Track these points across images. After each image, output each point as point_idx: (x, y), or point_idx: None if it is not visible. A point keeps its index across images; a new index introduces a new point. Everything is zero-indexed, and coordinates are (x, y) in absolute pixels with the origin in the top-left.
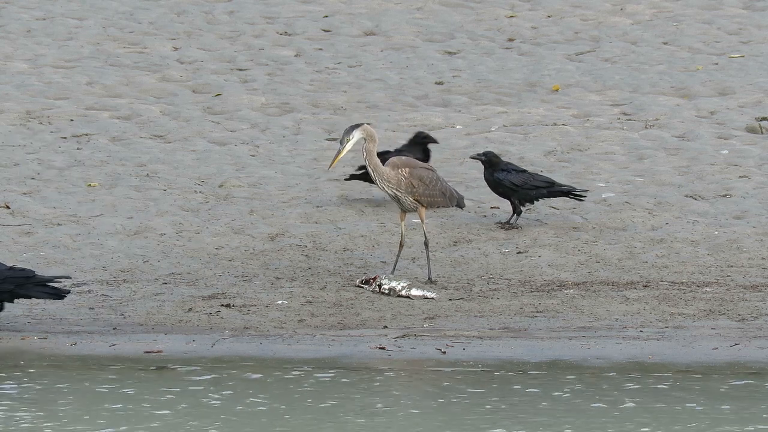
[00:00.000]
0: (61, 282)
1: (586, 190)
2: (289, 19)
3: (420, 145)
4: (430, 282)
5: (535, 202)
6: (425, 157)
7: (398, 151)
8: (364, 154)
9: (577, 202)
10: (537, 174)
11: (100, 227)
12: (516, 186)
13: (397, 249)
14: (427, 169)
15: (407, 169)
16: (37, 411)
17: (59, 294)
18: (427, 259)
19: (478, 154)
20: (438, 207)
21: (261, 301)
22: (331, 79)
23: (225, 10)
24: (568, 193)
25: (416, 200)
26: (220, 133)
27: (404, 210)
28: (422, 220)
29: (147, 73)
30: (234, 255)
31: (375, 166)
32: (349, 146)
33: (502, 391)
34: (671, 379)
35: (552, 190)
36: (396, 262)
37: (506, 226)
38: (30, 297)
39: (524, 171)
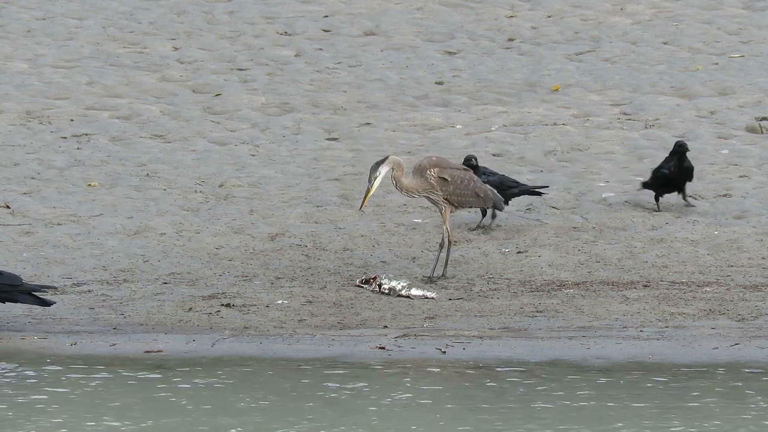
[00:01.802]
0: (46, 292)
1: (546, 186)
2: (289, 19)
3: (676, 154)
4: (430, 280)
5: (509, 203)
6: (679, 164)
7: (659, 168)
8: (393, 182)
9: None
10: (506, 176)
11: (100, 227)
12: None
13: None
14: (460, 169)
15: (436, 169)
16: (36, 411)
17: (45, 303)
18: (436, 259)
19: (472, 159)
20: (471, 207)
21: (261, 301)
22: (331, 79)
23: (225, 10)
24: (530, 191)
25: (446, 199)
26: (220, 133)
27: (439, 209)
28: (444, 221)
29: (147, 73)
30: (234, 255)
31: (405, 188)
32: (377, 183)
33: (501, 391)
34: (671, 379)
35: (522, 189)
36: (447, 262)
37: (482, 228)
38: (15, 302)
39: (496, 174)
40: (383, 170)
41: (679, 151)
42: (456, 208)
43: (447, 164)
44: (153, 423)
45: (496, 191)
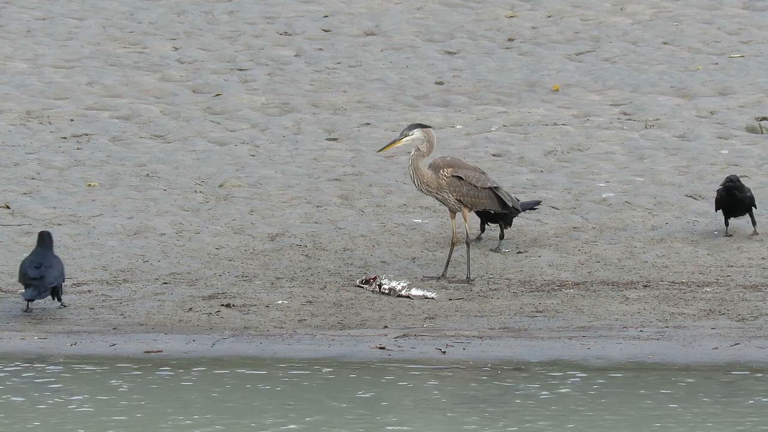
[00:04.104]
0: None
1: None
2: (289, 19)
3: (725, 189)
4: (468, 281)
5: None
6: (731, 200)
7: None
8: (411, 151)
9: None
10: None
11: (100, 227)
12: None
13: (450, 248)
14: (475, 170)
15: (450, 169)
16: (36, 411)
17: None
18: (467, 259)
19: None
20: (485, 209)
21: (261, 301)
22: (331, 79)
23: (225, 10)
24: None
25: (458, 200)
26: (220, 133)
27: (451, 210)
28: (465, 220)
29: (147, 73)
30: (234, 255)
31: (416, 168)
32: (406, 141)
33: (502, 391)
34: (671, 379)
35: None
36: (448, 262)
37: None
38: None
39: None
40: (417, 134)
41: (726, 185)
42: (470, 209)
43: (461, 164)
44: (153, 423)
45: (512, 195)
